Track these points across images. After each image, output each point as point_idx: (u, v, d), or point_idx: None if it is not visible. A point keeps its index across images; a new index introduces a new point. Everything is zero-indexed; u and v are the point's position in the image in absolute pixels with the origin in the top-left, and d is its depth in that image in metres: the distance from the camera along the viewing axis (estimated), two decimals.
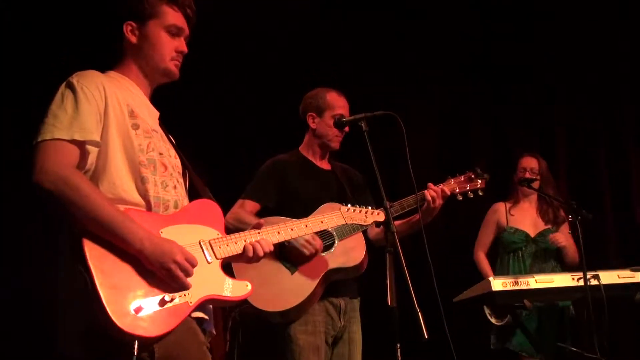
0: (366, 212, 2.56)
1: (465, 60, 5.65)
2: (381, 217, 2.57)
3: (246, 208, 2.95)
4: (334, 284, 2.91)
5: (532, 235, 4.31)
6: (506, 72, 5.54)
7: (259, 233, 2.10)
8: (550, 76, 5.38)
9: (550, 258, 4.26)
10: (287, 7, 5.03)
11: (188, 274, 1.82)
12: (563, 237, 4.19)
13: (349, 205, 2.53)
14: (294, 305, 2.78)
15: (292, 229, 2.24)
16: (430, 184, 3.00)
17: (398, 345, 2.32)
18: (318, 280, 2.83)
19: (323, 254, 2.89)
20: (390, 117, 2.67)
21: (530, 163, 4.41)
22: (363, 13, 5.24)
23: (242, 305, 5.58)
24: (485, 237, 4.48)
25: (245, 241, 2.04)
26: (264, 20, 5.17)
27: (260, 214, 2.99)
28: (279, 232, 2.18)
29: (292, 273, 2.83)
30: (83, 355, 1.88)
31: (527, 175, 4.33)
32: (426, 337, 2.21)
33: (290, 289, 2.81)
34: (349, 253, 2.93)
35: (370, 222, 2.59)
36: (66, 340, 1.86)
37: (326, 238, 2.90)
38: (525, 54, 5.44)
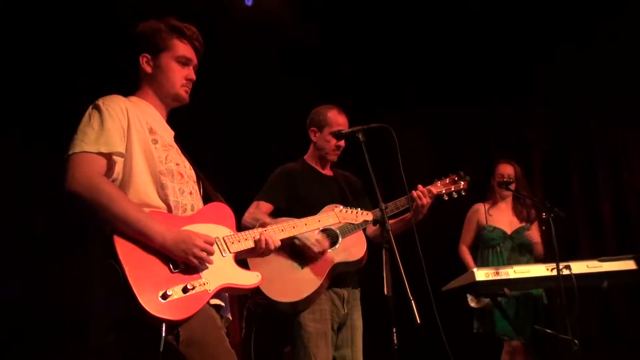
0: (357, 213, 2.59)
1: (455, 78, 5.67)
2: (369, 216, 2.62)
3: (261, 209, 2.98)
4: (338, 276, 2.94)
5: (509, 232, 4.35)
6: (491, 88, 5.55)
7: (265, 231, 2.14)
8: (528, 88, 5.39)
9: (525, 252, 4.29)
10: (290, 37, 5.10)
11: (210, 252, 1.89)
12: (537, 234, 4.21)
13: (342, 207, 2.56)
14: (304, 297, 2.82)
15: (294, 227, 2.29)
16: (420, 185, 3.03)
17: (394, 330, 2.36)
18: (325, 274, 2.87)
19: (329, 250, 2.92)
20: (384, 128, 2.70)
21: (506, 169, 4.43)
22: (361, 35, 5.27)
23: (256, 297, 5.61)
24: (468, 234, 4.51)
25: (254, 237, 2.08)
26: (272, 48, 5.24)
27: (274, 213, 3.03)
28: (282, 230, 2.23)
29: (302, 268, 2.86)
30: (115, 340, 1.90)
31: (504, 179, 4.35)
32: (419, 321, 2.26)
33: (301, 282, 2.84)
34: (351, 249, 2.96)
35: (360, 221, 2.63)
36: (98, 328, 1.84)
37: (332, 236, 2.94)
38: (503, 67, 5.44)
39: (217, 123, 5.59)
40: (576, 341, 3.24)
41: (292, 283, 2.83)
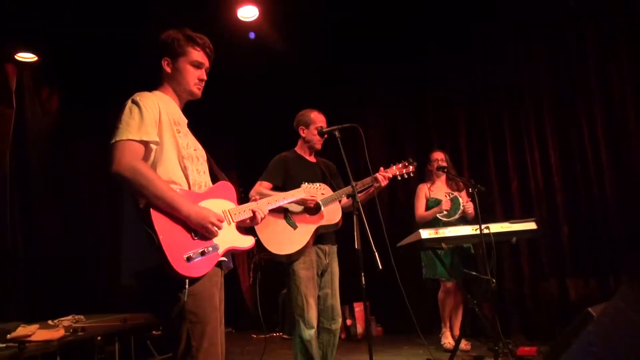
0: (317, 188, 2.70)
1: (400, 90, 5.68)
2: (328, 191, 2.75)
3: (263, 186, 2.95)
4: (321, 235, 2.95)
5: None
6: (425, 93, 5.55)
7: (257, 204, 2.11)
8: (452, 92, 5.39)
9: (457, 213, 4.29)
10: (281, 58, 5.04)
11: (219, 227, 1.86)
12: (471, 209, 4.23)
13: (306, 184, 2.64)
14: (296, 250, 2.82)
15: (276, 200, 2.31)
16: (382, 168, 3.05)
17: (362, 274, 2.41)
18: (311, 233, 2.87)
19: (314, 216, 2.91)
20: (355, 127, 2.73)
21: (439, 155, 4.46)
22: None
23: (260, 254, 5.62)
24: (420, 205, 4.46)
25: (250, 209, 2.06)
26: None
27: (273, 190, 2.99)
28: (269, 203, 2.22)
29: (295, 229, 2.86)
30: (145, 287, 1.88)
31: (439, 164, 4.38)
32: (380, 267, 2.30)
33: (293, 239, 2.84)
34: (331, 214, 2.96)
35: (318, 194, 2.72)
36: (129, 277, 1.77)
37: (316, 205, 2.92)
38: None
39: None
40: (494, 280, 3.29)
41: (288, 241, 2.82)
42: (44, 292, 4.77)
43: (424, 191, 4.49)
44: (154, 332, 4.63)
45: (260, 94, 5.83)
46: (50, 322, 3.92)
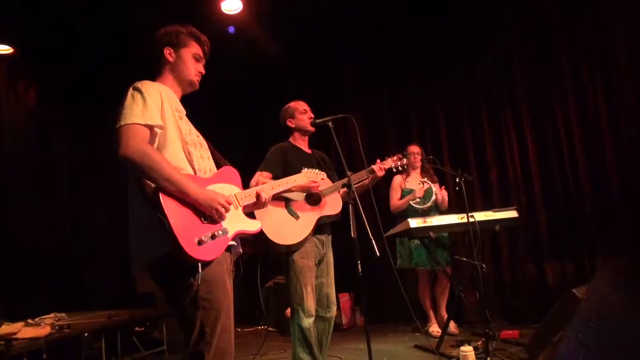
0: (317, 173, 2.70)
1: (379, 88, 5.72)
2: (324, 175, 2.75)
3: (263, 176, 2.91)
4: (319, 225, 2.93)
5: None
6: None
7: (261, 187, 2.14)
8: (435, 91, 5.46)
9: (429, 201, 4.37)
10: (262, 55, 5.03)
11: (227, 210, 1.85)
12: (445, 195, 4.34)
13: (306, 169, 2.63)
14: (298, 241, 2.81)
15: (279, 185, 2.34)
16: (378, 160, 3.08)
17: (359, 262, 2.41)
18: (314, 224, 2.87)
19: (316, 206, 2.91)
20: (347, 118, 2.73)
21: (415, 149, 4.55)
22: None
23: (243, 247, 5.55)
24: (395, 196, 4.54)
25: (255, 194, 2.07)
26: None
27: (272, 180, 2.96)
28: (272, 188, 2.25)
29: (297, 219, 2.84)
30: (158, 274, 1.81)
31: (416, 156, 4.48)
32: (378, 255, 2.27)
33: (296, 230, 2.82)
34: (332, 205, 2.96)
35: (319, 179, 2.71)
36: (140, 264, 1.71)
37: (316, 197, 2.92)
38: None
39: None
40: (484, 265, 3.38)
41: (290, 230, 2.80)
42: (21, 291, 4.61)
43: (399, 182, 4.57)
44: (136, 328, 4.54)
45: (245, 87, 5.78)
46: (30, 320, 3.81)
